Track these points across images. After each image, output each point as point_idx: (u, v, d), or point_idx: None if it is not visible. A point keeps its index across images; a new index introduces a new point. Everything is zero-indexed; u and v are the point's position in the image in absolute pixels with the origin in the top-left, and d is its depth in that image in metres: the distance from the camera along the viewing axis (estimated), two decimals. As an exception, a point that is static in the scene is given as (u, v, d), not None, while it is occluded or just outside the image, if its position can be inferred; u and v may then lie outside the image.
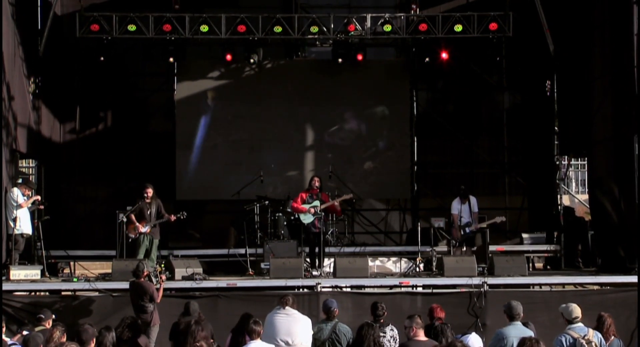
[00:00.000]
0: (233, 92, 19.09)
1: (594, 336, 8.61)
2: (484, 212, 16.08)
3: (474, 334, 9.62)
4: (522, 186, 19.42)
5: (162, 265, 14.61)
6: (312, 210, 15.16)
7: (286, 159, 19.11)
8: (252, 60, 18.12)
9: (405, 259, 16.71)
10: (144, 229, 14.73)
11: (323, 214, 15.19)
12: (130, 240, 14.70)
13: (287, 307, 9.65)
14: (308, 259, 15.28)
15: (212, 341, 8.65)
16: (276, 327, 9.50)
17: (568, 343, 8.49)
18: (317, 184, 15.34)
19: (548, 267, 17.78)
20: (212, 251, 16.90)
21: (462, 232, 15.30)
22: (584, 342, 8.45)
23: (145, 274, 12.15)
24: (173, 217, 14.96)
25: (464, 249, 15.20)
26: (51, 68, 17.68)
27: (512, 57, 19.35)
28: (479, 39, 17.53)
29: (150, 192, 14.88)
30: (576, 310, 8.76)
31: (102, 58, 17.49)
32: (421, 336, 8.74)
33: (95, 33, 16.94)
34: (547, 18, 17.21)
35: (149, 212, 14.81)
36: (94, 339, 8.00)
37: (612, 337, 9.15)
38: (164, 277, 12.89)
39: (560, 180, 19.00)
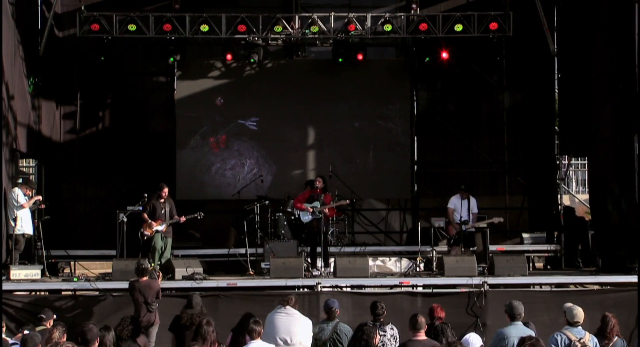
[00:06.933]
0: (233, 92, 19.09)
1: (590, 339, 8.53)
2: (484, 212, 16.06)
3: (473, 333, 9.61)
4: (522, 186, 19.41)
5: (153, 264, 14.57)
6: (312, 209, 15.13)
7: (286, 158, 19.12)
8: (252, 60, 18.16)
9: (406, 259, 16.69)
10: (160, 226, 14.68)
11: (322, 215, 15.08)
12: (145, 238, 14.67)
13: (287, 307, 9.66)
14: (308, 259, 15.27)
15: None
16: (276, 325, 9.51)
17: (564, 344, 8.46)
18: (319, 184, 15.27)
19: (548, 266, 17.78)
20: (212, 251, 16.94)
21: (459, 228, 15.21)
22: (579, 345, 8.40)
23: (149, 270, 12.11)
24: (183, 219, 14.93)
25: (461, 247, 15.11)
26: (51, 68, 17.67)
27: (512, 57, 19.34)
28: (479, 39, 17.55)
29: (166, 191, 14.91)
30: (579, 314, 8.67)
31: (102, 58, 17.52)
32: (421, 336, 8.74)
33: (96, 33, 16.97)
34: (547, 18, 17.21)
35: (163, 211, 14.78)
36: (98, 339, 7.98)
37: (616, 337, 9.08)
38: (160, 274, 12.89)
39: (560, 179, 19.03)
